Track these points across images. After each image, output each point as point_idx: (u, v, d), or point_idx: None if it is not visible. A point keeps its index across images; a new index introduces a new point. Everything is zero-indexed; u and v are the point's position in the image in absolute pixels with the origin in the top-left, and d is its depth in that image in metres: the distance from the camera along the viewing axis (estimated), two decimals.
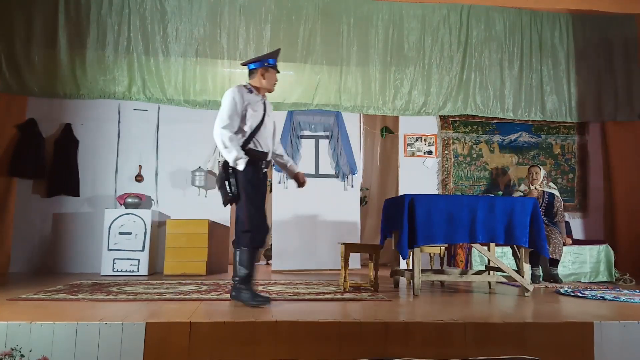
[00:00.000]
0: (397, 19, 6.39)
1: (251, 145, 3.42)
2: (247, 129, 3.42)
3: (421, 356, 2.62)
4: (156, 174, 6.16)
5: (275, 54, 3.66)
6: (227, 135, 3.33)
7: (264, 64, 3.55)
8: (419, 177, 6.46)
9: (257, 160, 3.43)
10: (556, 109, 6.45)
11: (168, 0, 6.04)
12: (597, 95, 6.53)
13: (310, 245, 6.32)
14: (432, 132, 6.59)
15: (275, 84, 3.60)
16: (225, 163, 3.36)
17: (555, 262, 5.19)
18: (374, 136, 8.22)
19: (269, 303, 3.30)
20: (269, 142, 3.56)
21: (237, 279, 3.38)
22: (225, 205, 3.45)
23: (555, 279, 5.14)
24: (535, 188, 5.44)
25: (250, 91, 3.51)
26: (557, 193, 5.48)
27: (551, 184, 5.59)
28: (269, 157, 3.58)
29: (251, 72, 3.59)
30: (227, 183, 3.34)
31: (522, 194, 5.45)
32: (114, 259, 5.44)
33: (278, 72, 3.61)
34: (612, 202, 6.64)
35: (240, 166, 3.30)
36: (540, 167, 5.62)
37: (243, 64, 3.68)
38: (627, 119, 6.49)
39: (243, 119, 3.42)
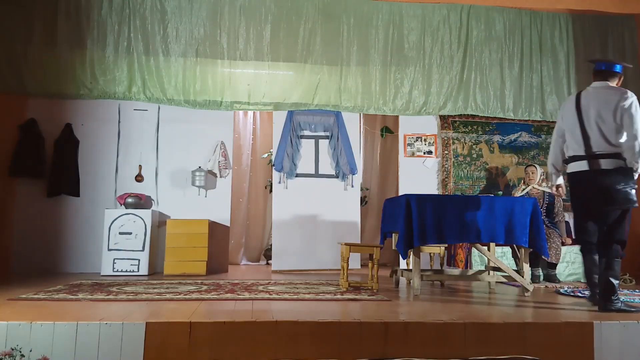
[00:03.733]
0: (397, 19, 6.40)
1: None
2: None
3: (421, 356, 2.63)
4: (156, 174, 6.16)
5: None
6: None
7: (621, 72, 3.67)
8: (419, 177, 6.46)
9: None
10: (556, 109, 6.45)
11: (168, 0, 6.06)
12: None
13: (311, 245, 6.32)
14: (432, 132, 6.59)
15: None
16: (630, 169, 3.33)
17: (553, 265, 5.21)
18: (374, 136, 8.22)
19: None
20: None
21: (609, 291, 3.30)
22: (608, 211, 3.39)
23: (554, 280, 5.16)
24: (533, 187, 5.46)
25: None
26: None
27: None
28: None
29: (616, 75, 3.67)
30: (631, 190, 3.29)
31: (523, 194, 5.45)
32: (114, 259, 5.44)
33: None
34: None
35: None
36: (537, 166, 5.63)
37: (595, 63, 3.78)
38: None
39: None
